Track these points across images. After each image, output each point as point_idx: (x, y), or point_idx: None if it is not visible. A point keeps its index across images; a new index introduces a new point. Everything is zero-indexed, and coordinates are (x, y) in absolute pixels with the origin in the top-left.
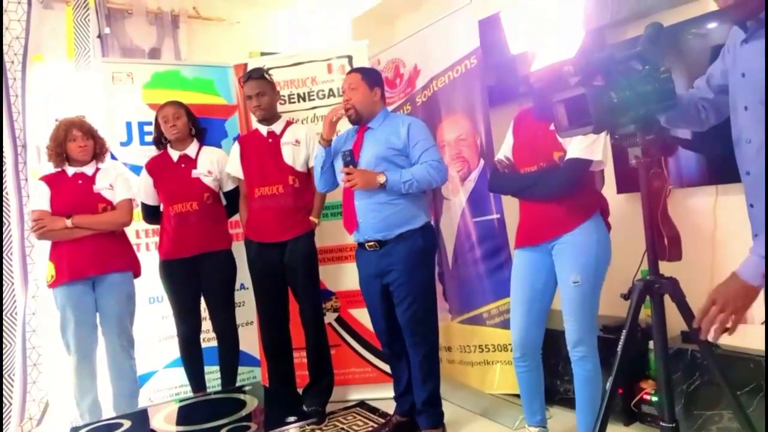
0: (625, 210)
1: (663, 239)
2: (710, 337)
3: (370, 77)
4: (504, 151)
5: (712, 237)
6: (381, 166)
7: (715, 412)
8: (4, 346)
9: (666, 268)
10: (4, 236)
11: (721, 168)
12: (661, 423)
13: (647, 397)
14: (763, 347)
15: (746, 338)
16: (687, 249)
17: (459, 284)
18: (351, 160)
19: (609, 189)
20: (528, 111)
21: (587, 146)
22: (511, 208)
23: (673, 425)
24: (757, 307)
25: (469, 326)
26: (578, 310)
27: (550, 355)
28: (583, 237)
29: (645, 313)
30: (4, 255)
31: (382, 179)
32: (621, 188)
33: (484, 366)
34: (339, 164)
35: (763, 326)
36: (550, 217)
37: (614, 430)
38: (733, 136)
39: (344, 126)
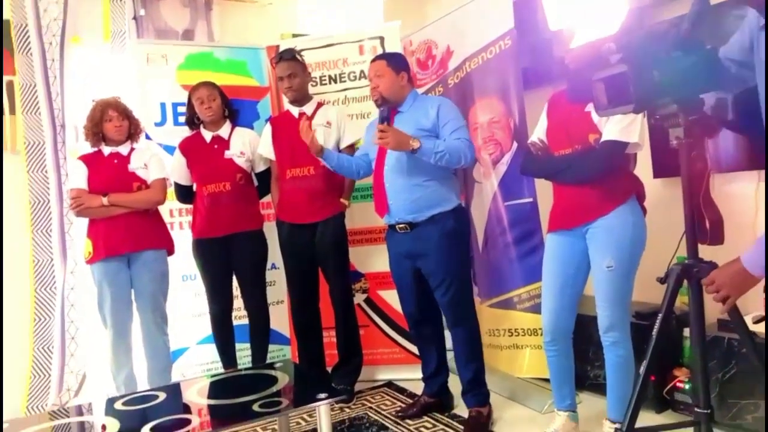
0: (661, 194)
1: (704, 222)
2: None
3: (396, 62)
4: (538, 133)
5: (753, 223)
6: None
7: (751, 401)
8: (43, 319)
9: (705, 254)
10: (41, 213)
11: (763, 153)
12: (695, 409)
13: (680, 384)
14: None
15: None
16: (728, 235)
17: (489, 268)
18: (387, 117)
19: (645, 173)
20: (562, 93)
21: (624, 128)
22: (544, 191)
23: (708, 411)
24: None
25: (499, 310)
26: (611, 295)
27: (581, 340)
28: (618, 221)
29: (680, 300)
30: (42, 232)
31: (416, 144)
32: (658, 172)
33: (514, 350)
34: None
35: None
36: (584, 200)
37: (646, 418)
38: (764, 114)
39: (374, 111)
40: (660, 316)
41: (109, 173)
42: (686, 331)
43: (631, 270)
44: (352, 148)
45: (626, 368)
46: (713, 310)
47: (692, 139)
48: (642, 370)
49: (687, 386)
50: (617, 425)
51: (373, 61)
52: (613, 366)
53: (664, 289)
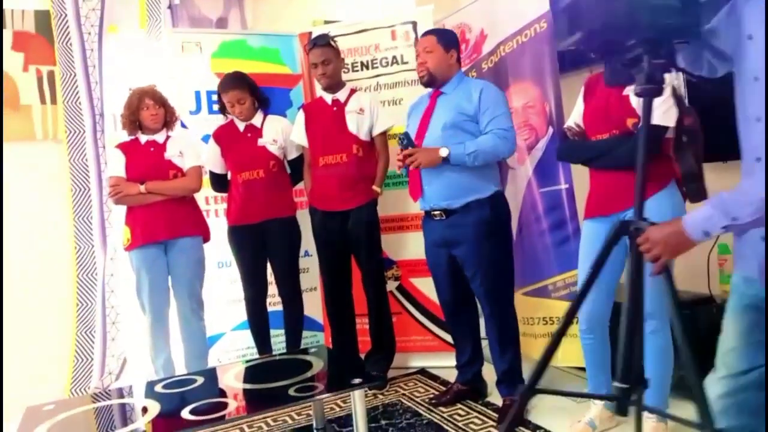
0: None
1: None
2: None
3: (446, 39)
4: (574, 117)
5: None
6: (450, 132)
7: None
8: (85, 304)
9: None
10: (82, 201)
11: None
12: (614, 383)
13: None
14: None
15: None
16: None
17: (523, 256)
18: (409, 142)
19: None
20: (599, 76)
21: (664, 112)
22: (580, 177)
23: (628, 386)
24: None
25: (534, 298)
26: (650, 283)
27: (618, 328)
28: (658, 207)
29: (721, 288)
30: (83, 219)
31: (444, 153)
32: None
33: (549, 338)
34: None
35: None
36: (622, 186)
37: (687, 408)
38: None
39: (417, 90)
40: (589, 271)
41: (146, 161)
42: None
43: None
44: (385, 135)
45: (665, 357)
46: None
47: (656, 85)
48: (557, 331)
49: None
50: (655, 416)
51: (423, 35)
52: (651, 355)
53: (707, 278)
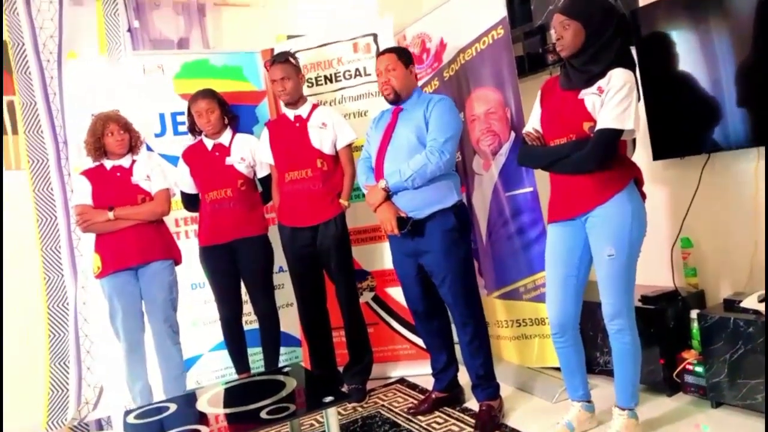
0: (662, 177)
1: None
2: None
3: (406, 56)
4: (532, 122)
5: (753, 197)
6: (413, 146)
7: (760, 381)
8: (57, 335)
9: (708, 237)
10: (49, 230)
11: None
12: None
13: (690, 367)
14: None
15: None
16: (729, 215)
17: (494, 259)
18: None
19: (645, 155)
20: (555, 79)
21: (618, 115)
22: (544, 181)
23: None
24: None
25: (506, 301)
26: (614, 283)
27: (589, 327)
28: (617, 209)
29: (687, 281)
30: (51, 249)
31: (382, 184)
32: (657, 155)
33: (522, 340)
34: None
35: None
36: (582, 190)
37: (658, 401)
38: None
39: (381, 102)
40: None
41: (112, 187)
42: (693, 313)
43: (632, 257)
44: (350, 148)
45: (633, 355)
46: (719, 291)
47: None
48: None
49: (697, 368)
50: (626, 412)
51: (382, 54)
52: (619, 353)
53: (671, 272)
